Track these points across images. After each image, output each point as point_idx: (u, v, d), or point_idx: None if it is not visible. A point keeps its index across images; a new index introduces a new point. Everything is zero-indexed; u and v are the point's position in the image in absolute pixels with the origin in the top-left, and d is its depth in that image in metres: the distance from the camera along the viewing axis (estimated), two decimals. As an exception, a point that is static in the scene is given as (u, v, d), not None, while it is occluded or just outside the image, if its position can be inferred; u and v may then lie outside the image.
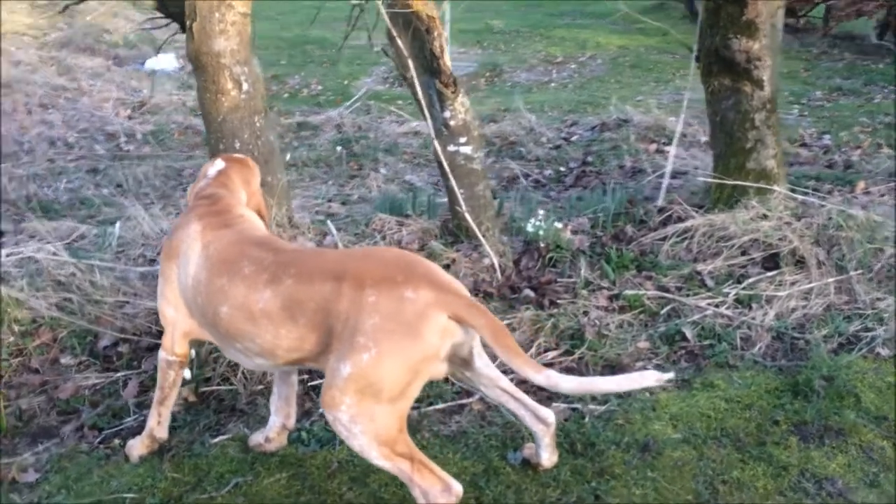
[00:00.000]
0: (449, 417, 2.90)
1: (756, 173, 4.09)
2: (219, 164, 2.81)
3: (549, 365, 3.14)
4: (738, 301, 3.49)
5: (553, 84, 10.00)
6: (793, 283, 3.54)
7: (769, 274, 3.62)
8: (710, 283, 3.60)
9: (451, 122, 3.71)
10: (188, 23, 3.42)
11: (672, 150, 4.58)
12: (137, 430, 2.81)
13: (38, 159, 6.68)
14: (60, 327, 3.31)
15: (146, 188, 5.80)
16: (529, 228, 3.84)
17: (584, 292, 3.53)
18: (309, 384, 3.06)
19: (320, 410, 2.74)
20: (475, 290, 3.55)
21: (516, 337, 3.28)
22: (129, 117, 8.03)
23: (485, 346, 2.27)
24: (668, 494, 2.45)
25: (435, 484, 2.15)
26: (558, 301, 3.46)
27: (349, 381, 2.08)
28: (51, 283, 3.48)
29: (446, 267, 3.67)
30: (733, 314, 3.40)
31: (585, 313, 3.42)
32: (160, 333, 2.74)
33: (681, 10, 12.36)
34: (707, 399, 2.91)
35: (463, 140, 3.73)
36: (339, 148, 6.80)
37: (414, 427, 2.80)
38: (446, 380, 2.98)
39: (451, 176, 3.74)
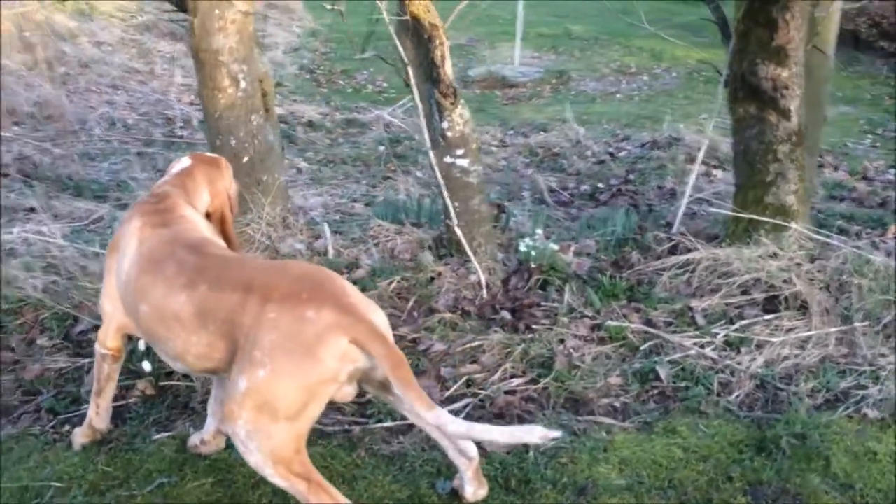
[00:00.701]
0: (394, 437, 2.83)
1: (774, 208, 3.86)
2: (185, 161, 2.83)
3: (510, 393, 3.05)
4: (727, 343, 3.30)
5: (619, 95, 9.77)
6: (790, 330, 3.32)
7: (766, 317, 3.40)
8: (700, 321, 3.42)
9: (449, 134, 3.64)
10: (190, 18, 3.46)
11: (692, 177, 4.38)
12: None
13: (93, 139, 6.93)
14: (44, 308, 3.40)
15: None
16: (522, 248, 3.73)
17: (565, 319, 3.40)
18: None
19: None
20: (454, 307, 3.47)
21: (484, 360, 3.20)
22: (191, 103, 8.24)
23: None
24: (588, 545, 2.33)
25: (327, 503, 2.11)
26: (534, 326, 3.35)
27: (246, 396, 2.05)
28: (44, 265, 3.59)
29: (430, 280, 3.61)
30: (718, 356, 3.21)
31: (562, 341, 3.30)
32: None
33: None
34: (664, 446, 2.76)
35: (460, 152, 3.65)
36: (381, 147, 6.80)
37: (353, 444, 2.76)
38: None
39: (444, 188, 3.67)
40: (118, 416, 2.90)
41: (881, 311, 3.37)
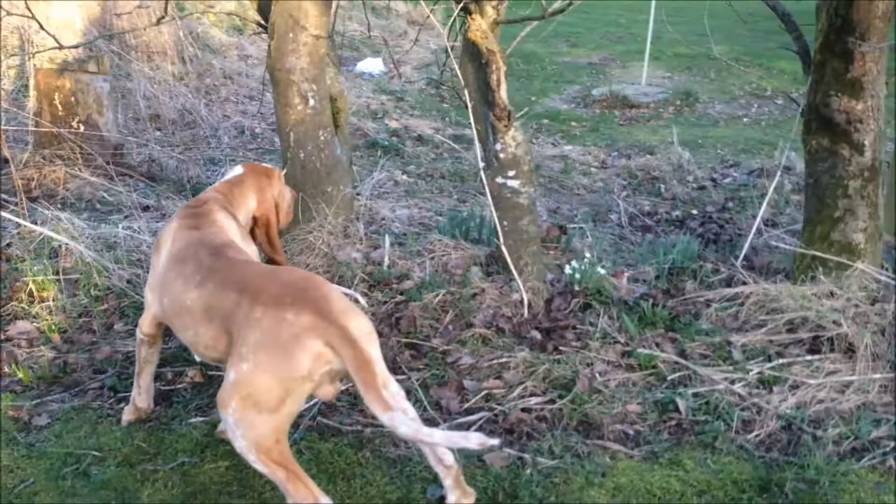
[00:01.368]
0: (402, 441, 2.97)
1: (839, 246, 3.70)
2: (237, 170, 3.13)
3: (526, 410, 3.13)
4: (761, 381, 3.22)
5: (746, 120, 9.46)
6: (831, 373, 3.19)
7: (808, 357, 3.29)
8: (737, 356, 3.35)
9: (501, 155, 3.75)
10: (269, 41, 3.77)
11: (762, 209, 4.25)
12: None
13: (221, 146, 7.51)
14: (125, 297, 3.81)
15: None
16: (567, 270, 3.78)
17: (596, 343, 3.43)
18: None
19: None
20: (490, 323, 3.57)
21: (507, 376, 3.28)
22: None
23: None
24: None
25: (306, 497, 2.29)
26: (563, 348, 3.40)
27: (234, 387, 2.27)
28: (134, 259, 4.01)
29: (473, 296, 3.72)
30: (747, 393, 3.14)
31: (589, 365, 3.33)
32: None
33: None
34: (664, 477, 2.75)
35: (511, 173, 3.76)
36: (481, 163, 6.95)
37: (362, 443, 2.93)
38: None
39: (493, 207, 3.78)
40: (167, 398, 3.22)
41: (937, 362, 3.17)
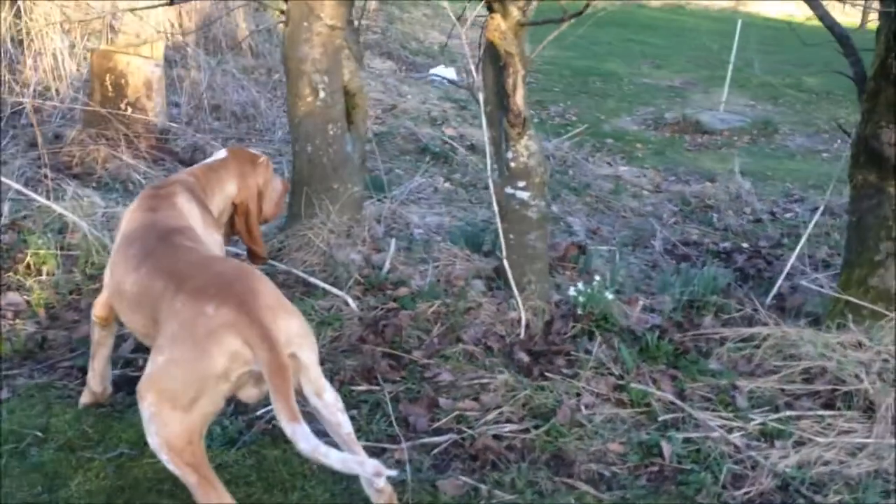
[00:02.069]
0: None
1: (876, 292, 3.34)
2: (220, 154, 3.01)
3: (497, 437, 2.89)
4: (762, 432, 2.89)
5: (825, 155, 8.92)
6: (844, 432, 2.84)
7: (821, 412, 2.94)
8: (741, 402, 3.02)
9: (512, 164, 3.54)
10: (283, 28, 3.66)
11: (799, 246, 3.89)
12: (112, 381, 3.09)
13: (274, 140, 7.50)
14: (119, 278, 3.74)
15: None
16: (571, 292, 3.52)
17: (588, 373, 3.16)
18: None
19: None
20: (479, 340, 3.35)
21: (485, 398, 3.05)
22: (376, 118, 8.67)
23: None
24: None
25: (213, 501, 2.13)
26: (550, 374, 3.15)
27: (150, 379, 2.13)
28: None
29: (467, 310, 3.51)
30: (744, 444, 2.82)
31: (577, 395, 3.07)
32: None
33: None
34: (627, 528, 2.48)
35: (521, 184, 3.53)
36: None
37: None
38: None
39: (499, 218, 3.56)
40: (132, 384, 3.11)
41: (970, 433, 2.78)
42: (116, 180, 5.45)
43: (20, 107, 6.41)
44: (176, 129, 6.31)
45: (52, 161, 5.71)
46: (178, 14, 8.83)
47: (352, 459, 1.98)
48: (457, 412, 2.98)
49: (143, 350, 3.25)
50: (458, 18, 3.91)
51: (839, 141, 9.52)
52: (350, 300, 3.51)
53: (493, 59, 3.56)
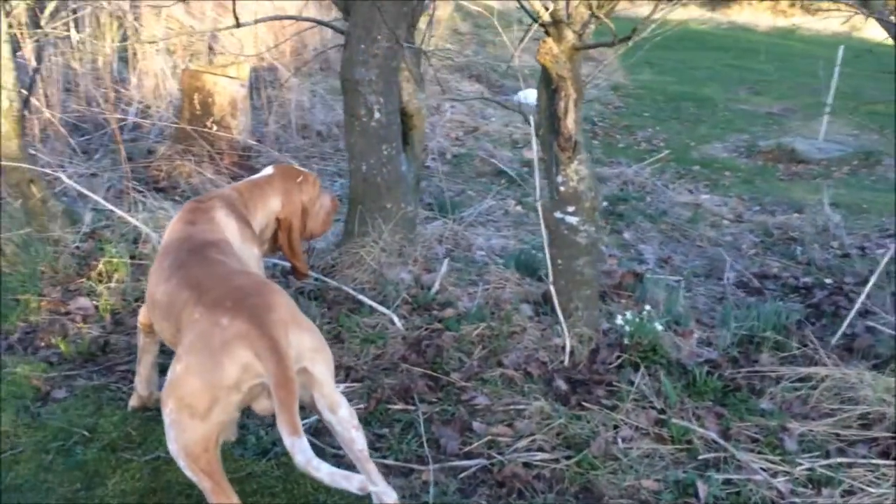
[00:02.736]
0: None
1: (948, 335, 3.11)
2: (267, 170, 3.10)
3: (527, 465, 2.84)
4: (810, 479, 2.73)
5: (931, 188, 8.38)
6: (899, 483, 2.66)
7: (875, 461, 2.75)
8: (790, 445, 2.87)
9: (562, 188, 3.49)
10: (343, 50, 3.75)
11: (869, 285, 3.68)
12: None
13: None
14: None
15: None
16: (618, 321, 3.43)
17: (629, 405, 3.07)
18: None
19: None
20: (520, 366, 3.31)
21: (519, 425, 3.01)
22: (456, 138, 8.74)
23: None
24: None
25: (226, 509, 2.18)
26: (587, 404, 3.07)
27: (170, 387, 2.20)
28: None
29: (511, 334, 3.48)
30: (789, 490, 2.67)
31: (615, 427, 2.98)
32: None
33: None
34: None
35: (570, 209, 3.48)
36: (604, 203, 6.62)
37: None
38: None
39: (546, 243, 3.52)
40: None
41: None
42: (197, 194, 5.67)
43: (122, 123, 6.81)
44: (258, 147, 6.53)
45: (142, 175, 6.02)
46: (274, 37, 9.16)
47: (339, 474, 1.99)
48: (489, 437, 2.95)
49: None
50: (521, 41, 3.91)
51: (948, 174, 8.97)
52: (396, 319, 3.54)
53: (547, 83, 3.54)
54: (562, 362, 3.36)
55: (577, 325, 3.47)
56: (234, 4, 3.45)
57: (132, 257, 4.14)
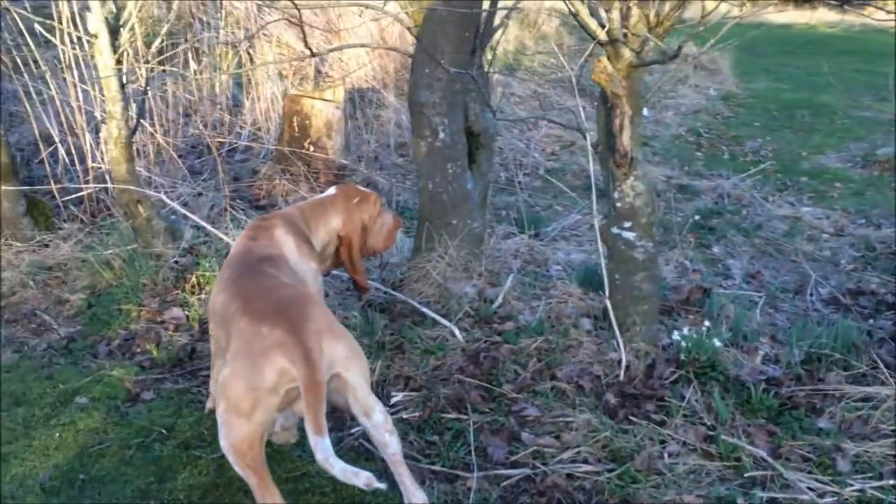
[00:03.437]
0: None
1: None
2: (330, 191, 3.31)
3: (570, 477, 2.90)
4: (860, 500, 2.66)
5: None
6: (955, 509, 2.55)
7: (931, 485, 2.65)
8: (842, 465, 2.80)
9: (619, 204, 3.53)
10: (410, 73, 3.94)
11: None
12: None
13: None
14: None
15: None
16: (675, 336, 3.43)
17: (679, 420, 3.07)
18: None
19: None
20: (572, 379, 3.36)
21: (566, 437, 3.07)
22: (552, 153, 8.79)
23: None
24: None
25: (268, 502, 2.38)
26: (634, 418, 3.09)
27: (221, 388, 2.42)
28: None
29: (567, 348, 3.54)
30: (835, 512, 2.62)
31: (662, 442, 3.00)
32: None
33: None
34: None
35: (627, 224, 3.52)
36: (696, 217, 6.52)
37: (388, 474, 2.92)
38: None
39: (603, 258, 3.56)
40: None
41: None
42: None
43: (233, 146, 7.30)
44: (351, 166, 6.83)
45: (245, 193, 6.44)
46: (381, 60, 9.51)
47: (350, 470, 2.15)
48: (535, 447, 3.03)
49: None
50: (584, 58, 3.98)
51: None
52: (456, 331, 3.67)
53: (604, 100, 3.60)
54: (616, 377, 3.39)
55: (635, 339, 3.49)
56: (303, 34, 3.68)
57: (223, 271, 4.45)
